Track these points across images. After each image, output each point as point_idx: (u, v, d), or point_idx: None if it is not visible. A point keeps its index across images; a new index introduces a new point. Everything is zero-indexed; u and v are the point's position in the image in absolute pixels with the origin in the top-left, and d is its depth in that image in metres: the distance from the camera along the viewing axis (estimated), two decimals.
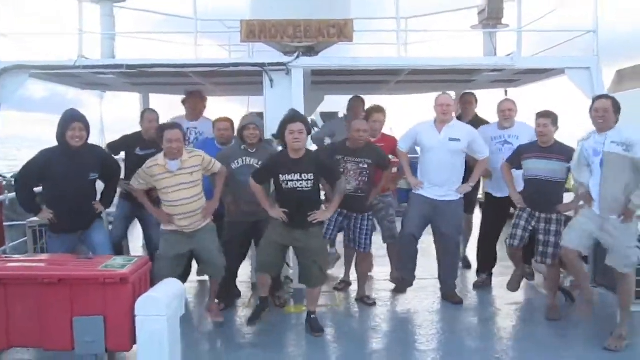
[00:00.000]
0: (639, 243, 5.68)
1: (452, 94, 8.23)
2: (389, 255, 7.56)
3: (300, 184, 5.82)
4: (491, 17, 8.34)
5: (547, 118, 6.46)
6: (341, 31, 7.41)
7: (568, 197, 6.77)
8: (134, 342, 4.63)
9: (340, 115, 10.18)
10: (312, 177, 5.84)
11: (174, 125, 6.09)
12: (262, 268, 6.13)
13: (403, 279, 7.10)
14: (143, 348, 4.36)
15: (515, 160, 6.66)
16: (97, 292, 4.58)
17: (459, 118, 7.82)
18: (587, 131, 5.88)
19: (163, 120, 7.25)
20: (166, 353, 4.33)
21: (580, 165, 5.88)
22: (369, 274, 7.45)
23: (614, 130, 5.59)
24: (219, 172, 6.21)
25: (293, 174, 5.81)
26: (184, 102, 8.37)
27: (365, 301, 7.02)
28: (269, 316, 6.39)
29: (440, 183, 6.84)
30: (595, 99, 5.79)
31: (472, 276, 7.94)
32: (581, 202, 5.97)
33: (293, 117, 5.98)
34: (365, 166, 6.70)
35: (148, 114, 7.27)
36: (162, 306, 4.36)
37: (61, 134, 5.90)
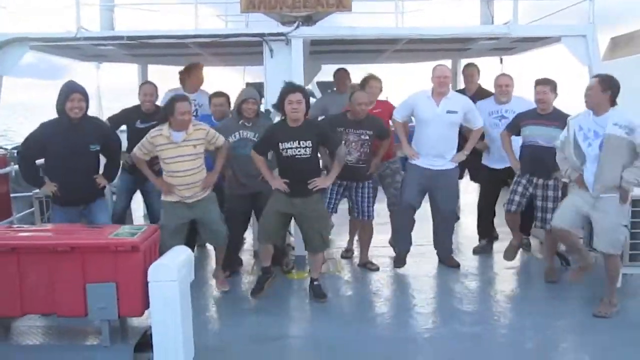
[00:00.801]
0: (627, 223, 5.80)
1: (449, 62, 8.33)
2: (391, 221, 7.68)
3: (299, 152, 5.92)
4: None
5: (547, 85, 6.55)
6: (340, 1, 7.46)
7: None
8: (146, 308, 4.76)
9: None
10: (311, 145, 5.94)
11: (184, 97, 6.14)
12: (265, 237, 6.23)
13: (399, 253, 7.23)
14: (156, 312, 4.48)
15: (515, 127, 6.76)
16: (109, 259, 4.68)
17: (462, 90, 7.91)
18: (577, 114, 5.86)
19: (160, 92, 7.34)
20: (178, 317, 4.46)
21: (567, 143, 5.84)
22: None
23: (616, 111, 5.56)
24: (222, 145, 6.27)
25: (292, 142, 5.91)
26: (183, 73, 8.34)
27: (369, 267, 7.20)
28: (273, 284, 6.50)
29: (437, 154, 6.94)
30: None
31: (468, 242, 8.11)
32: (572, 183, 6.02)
33: (292, 87, 6.06)
34: (367, 137, 6.80)
35: (145, 87, 7.30)
36: (173, 272, 4.47)
37: (61, 106, 5.91)
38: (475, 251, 7.80)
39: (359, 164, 6.83)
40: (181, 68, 8.45)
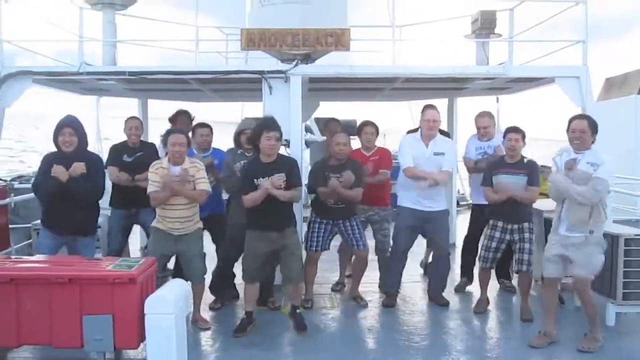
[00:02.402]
0: (603, 251, 5.85)
1: (445, 101, 8.47)
2: (379, 266, 7.73)
3: None
4: (484, 27, 8.58)
5: (518, 133, 6.71)
6: (338, 40, 7.60)
7: (543, 203, 7.07)
8: (141, 340, 4.81)
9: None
10: (284, 179, 6.05)
11: (181, 130, 6.29)
12: (247, 278, 6.31)
13: (390, 294, 7.31)
14: (152, 344, 4.53)
15: (488, 179, 6.87)
16: (106, 291, 4.75)
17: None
18: (561, 148, 6.03)
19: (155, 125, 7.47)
20: (174, 350, 4.51)
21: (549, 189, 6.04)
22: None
23: (591, 151, 5.78)
24: (200, 191, 6.20)
25: (267, 178, 6.03)
26: (172, 120, 8.31)
27: (358, 301, 7.26)
28: (264, 315, 6.56)
29: (426, 196, 7.05)
30: (573, 119, 5.93)
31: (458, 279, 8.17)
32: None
33: (271, 124, 6.17)
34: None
35: (131, 121, 7.48)
36: (170, 305, 4.54)
37: (55, 139, 6.12)
38: (457, 290, 7.86)
39: (338, 205, 6.92)
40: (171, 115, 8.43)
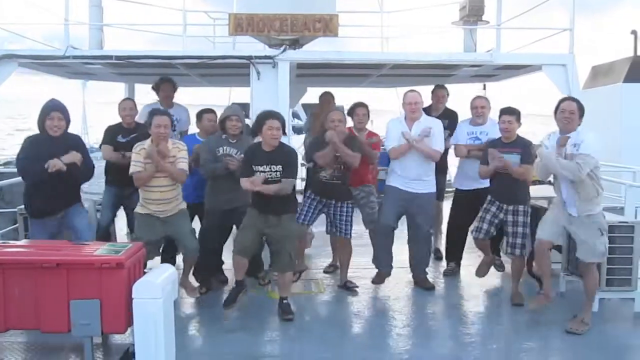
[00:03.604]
0: (605, 234, 5.97)
1: (431, 87, 8.48)
2: (371, 240, 7.74)
3: (270, 175, 6.14)
4: (472, 14, 8.60)
5: (512, 115, 6.75)
6: (327, 26, 7.60)
7: (536, 189, 7.12)
8: (129, 325, 4.81)
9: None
10: (281, 169, 6.16)
11: (164, 112, 6.37)
12: (240, 251, 6.34)
13: (379, 272, 7.35)
14: (139, 329, 4.53)
15: (486, 158, 6.91)
16: (93, 276, 4.73)
17: (427, 110, 8.01)
18: (548, 133, 6.15)
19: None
20: (161, 335, 4.51)
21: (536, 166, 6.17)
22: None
23: (575, 132, 5.87)
24: (179, 170, 6.24)
25: (265, 166, 6.13)
26: (156, 89, 8.33)
27: (348, 286, 7.29)
28: (251, 300, 6.60)
29: (415, 177, 7.08)
30: (562, 100, 6.04)
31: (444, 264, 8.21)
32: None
33: (272, 113, 6.26)
34: (339, 154, 6.84)
35: (124, 103, 7.50)
36: (158, 290, 4.53)
37: (41, 123, 6.10)
38: (445, 274, 7.91)
39: (333, 180, 6.92)
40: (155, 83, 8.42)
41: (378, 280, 7.30)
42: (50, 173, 5.87)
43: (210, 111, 7.45)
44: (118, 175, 7.17)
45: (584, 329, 5.92)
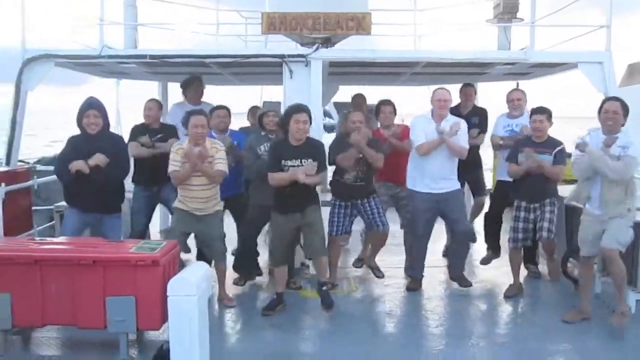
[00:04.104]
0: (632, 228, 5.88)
1: (459, 87, 8.43)
2: (404, 242, 7.71)
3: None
4: (506, 11, 8.49)
5: (543, 114, 6.74)
6: (359, 24, 7.57)
7: (563, 188, 7.09)
8: (163, 322, 4.86)
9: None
10: (311, 162, 6.16)
11: (200, 111, 6.42)
12: (275, 263, 6.49)
13: (414, 279, 7.32)
14: (174, 326, 4.56)
15: (514, 156, 6.87)
16: (129, 273, 4.80)
17: (456, 108, 7.99)
18: (590, 129, 6.06)
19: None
20: (196, 332, 4.53)
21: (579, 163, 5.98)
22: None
23: (622, 133, 5.79)
24: (217, 171, 6.30)
25: (294, 160, 6.17)
26: (184, 87, 8.46)
27: (375, 272, 7.31)
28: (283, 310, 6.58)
29: (440, 176, 7.01)
30: (605, 100, 5.97)
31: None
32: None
33: (299, 107, 6.30)
34: (362, 155, 6.81)
35: (148, 103, 7.56)
36: (192, 287, 4.56)
37: (79, 121, 6.21)
38: (482, 262, 7.94)
39: (357, 182, 6.92)
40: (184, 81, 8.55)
41: (414, 286, 7.26)
42: (77, 174, 5.96)
43: (222, 107, 7.49)
44: (143, 172, 7.26)
45: (625, 321, 5.83)
